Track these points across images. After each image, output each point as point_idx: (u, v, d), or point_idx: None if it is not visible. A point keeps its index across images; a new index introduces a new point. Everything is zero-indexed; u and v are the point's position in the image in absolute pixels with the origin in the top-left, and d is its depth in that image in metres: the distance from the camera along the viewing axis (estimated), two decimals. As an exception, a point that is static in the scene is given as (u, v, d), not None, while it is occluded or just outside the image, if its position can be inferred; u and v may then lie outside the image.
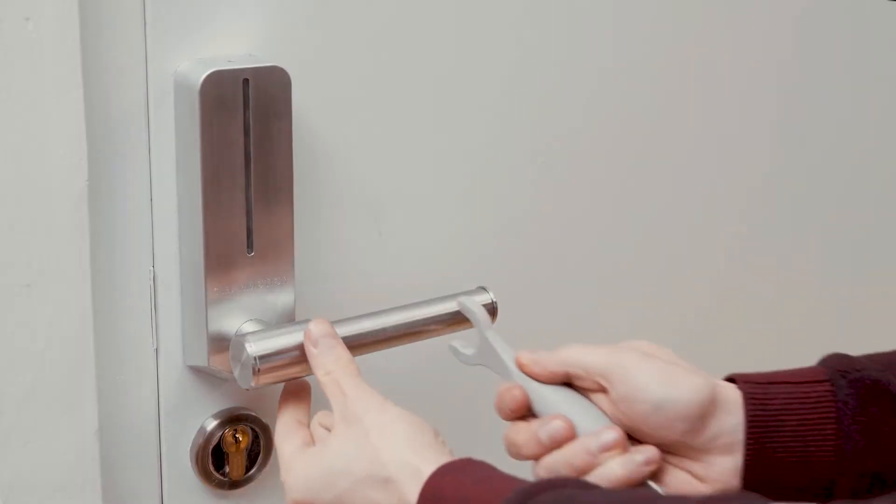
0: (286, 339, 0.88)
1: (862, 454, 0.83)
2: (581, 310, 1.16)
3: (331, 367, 0.86)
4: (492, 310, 0.96)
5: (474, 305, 0.90)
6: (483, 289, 0.97)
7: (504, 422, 0.86)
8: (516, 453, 0.84)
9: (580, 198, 1.13)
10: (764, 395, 0.83)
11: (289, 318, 0.94)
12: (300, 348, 0.88)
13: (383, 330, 0.91)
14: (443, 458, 0.78)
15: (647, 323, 1.21)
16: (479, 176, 1.07)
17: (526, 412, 0.85)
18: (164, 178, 0.90)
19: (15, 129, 0.82)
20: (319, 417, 0.88)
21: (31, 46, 0.81)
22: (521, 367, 0.86)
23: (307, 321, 0.88)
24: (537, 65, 1.07)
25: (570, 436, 0.82)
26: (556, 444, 0.82)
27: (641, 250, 1.19)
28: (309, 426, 0.88)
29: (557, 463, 0.82)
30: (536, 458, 0.83)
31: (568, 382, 0.85)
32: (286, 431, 0.88)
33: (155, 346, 0.93)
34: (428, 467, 0.77)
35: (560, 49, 1.08)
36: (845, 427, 0.83)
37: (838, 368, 0.85)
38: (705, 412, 0.82)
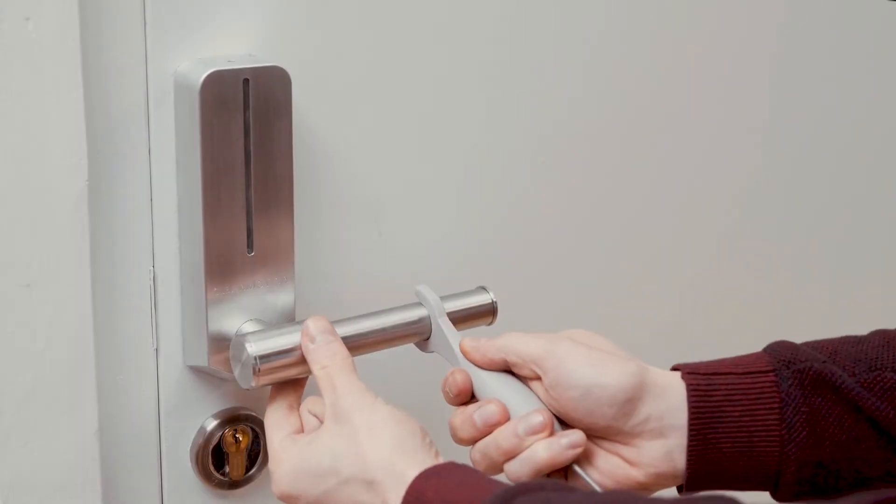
0: (286, 339, 0.88)
1: (805, 444, 0.84)
2: (582, 309, 1.16)
3: (326, 363, 0.86)
4: (492, 310, 0.97)
5: (429, 293, 0.92)
6: (483, 289, 0.97)
7: None
8: (454, 436, 0.87)
9: (580, 198, 1.13)
10: (707, 387, 0.85)
11: (289, 318, 0.94)
12: (300, 348, 0.88)
13: (382, 330, 0.91)
14: (428, 462, 0.79)
15: (649, 322, 1.21)
16: (479, 176, 1.07)
17: (469, 398, 0.88)
18: (164, 178, 0.90)
19: (15, 129, 0.81)
20: (309, 404, 0.89)
21: (31, 46, 0.81)
22: (464, 354, 0.89)
23: (307, 320, 0.89)
24: (537, 65, 1.07)
25: (504, 420, 0.85)
26: (490, 428, 0.85)
27: (642, 249, 1.19)
28: (299, 410, 0.89)
29: (489, 446, 0.84)
30: (472, 441, 0.86)
31: (508, 371, 0.88)
32: (276, 417, 0.88)
33: (155, 346, 0.93)
34: (412, 471, 0.78)
35: (560, 50, 1.08)
36: (788, 417, 0.84)
37: (782, 358, 0.86)
38: (633, 397, 0.84)
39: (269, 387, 0.90)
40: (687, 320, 1.24)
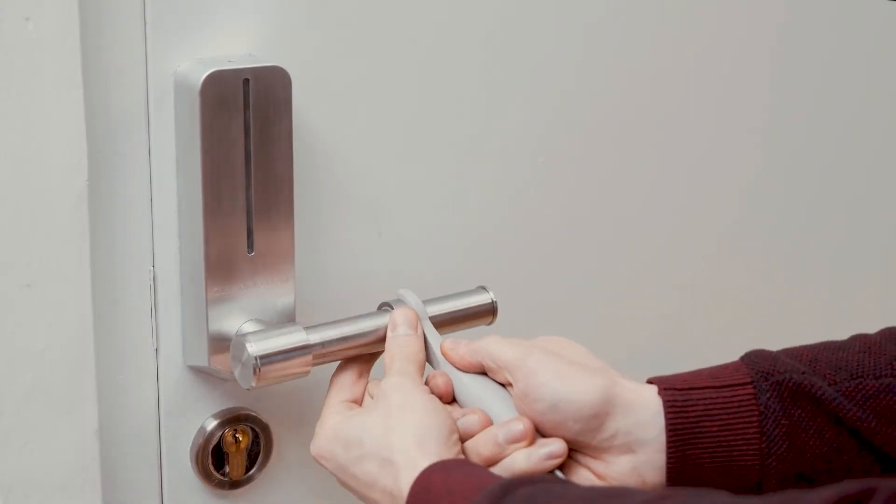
0: (286, 339, 0.88)
1: (786, 457, 0.83)
2: (581, 309, 1.16)
3: (394, 352, 0.88)
4: (492, 310, 0.97)
5: (411, 297, 0.92)
6: (483, 288, 0.97)
7: None
8: None
9: (580, 197, 1.13)
10: (684, 402, 0.84)
11: (289, 318, 0.94)
12: (301, 348, 0.88)
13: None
14: (444, 456, 0.79)
15: (648, 321, 1.21)
16: (479, 176, 1.07)
17: (450, 400, 0.88)
18: (164, 178, 0.90)
19: (15, 129, 0.81)
20: (371, 386, 0.90)
21: (31, 46, 0.81)
22: (444, 354, 0.89)
23: (395, 310, 0.90)
24: (537, 65, 1.07)
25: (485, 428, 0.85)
26: (470, 435, 0.85)
27: (642, 249, 1.19)
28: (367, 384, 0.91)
29: (469, 452, 0.84)
30: None
31: (486, 373, 0.88)
32: (343, 379, 0.90)
33: (155, 346, 0.93)
34: (426, 462, 0.78)
35: (560, 50, 1.08)
36: (768, 431, 0.83)
37: (761, 369, 0.85)
38: (599, 412, 0.83)
39: (270, 387, 0.90)
40: (686, 320, 1.24)
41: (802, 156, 1.28)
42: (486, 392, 0.87)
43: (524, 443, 0.83)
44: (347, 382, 0.89)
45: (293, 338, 0.88)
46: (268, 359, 0.87)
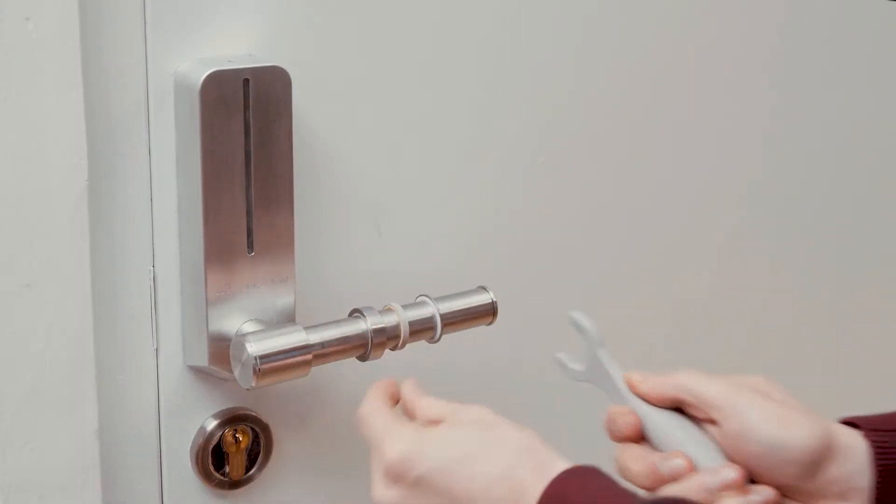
0: (286, 339, 0.88)
1: None
2: (581, 309, 1.16)
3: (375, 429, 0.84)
4: (492, 310, 0.97)
5: (587, 322, 0.87)
6: (483, 289, 0.97)
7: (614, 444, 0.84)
8: (629, 478, 0.82)
9: (580, 197, 1.13)
10: (892, 445, 0.80)
11: (289, 318, 0.94)
12: (301, 348, 0.88)
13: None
14: (557, 459, 0.77)
15: (649, 322, 1.21)
16: (479, 176, 1.07)
17: (637, 439, 0.84)
18: (164, 178, 0.90)
19: (15, 128, 0.81)
20: (406, 395, 0.87)
21: (31, 46, 0.81)
22: (631, 387, 0.84)
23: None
24: (537, 65, 1.07)
25: (690, 473, 0.80)
26: (675, 479, 0.80)
27: (642, 249, 1.19)
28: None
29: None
30: (651, 488, 0.81)
31: (677, 408, 0.83)
32: (377, 403, 0.86)
33: (155, 346, 0.93)
34: (552, 465, 0.76)
35: (560, 50, 1.08)
36: None
37: None
38: (819, 457, 0.80)
39: (270, 387, 0.90)
40: (687, 320, 1.24)
41: (802, 155, 1.28)
42: (686, 433, 0.82)
43: (736, 490, 0.79)
44: (382, 404, 0.86)
45: (293, 338, 0.88)
46: (268, 359, 0.87)
